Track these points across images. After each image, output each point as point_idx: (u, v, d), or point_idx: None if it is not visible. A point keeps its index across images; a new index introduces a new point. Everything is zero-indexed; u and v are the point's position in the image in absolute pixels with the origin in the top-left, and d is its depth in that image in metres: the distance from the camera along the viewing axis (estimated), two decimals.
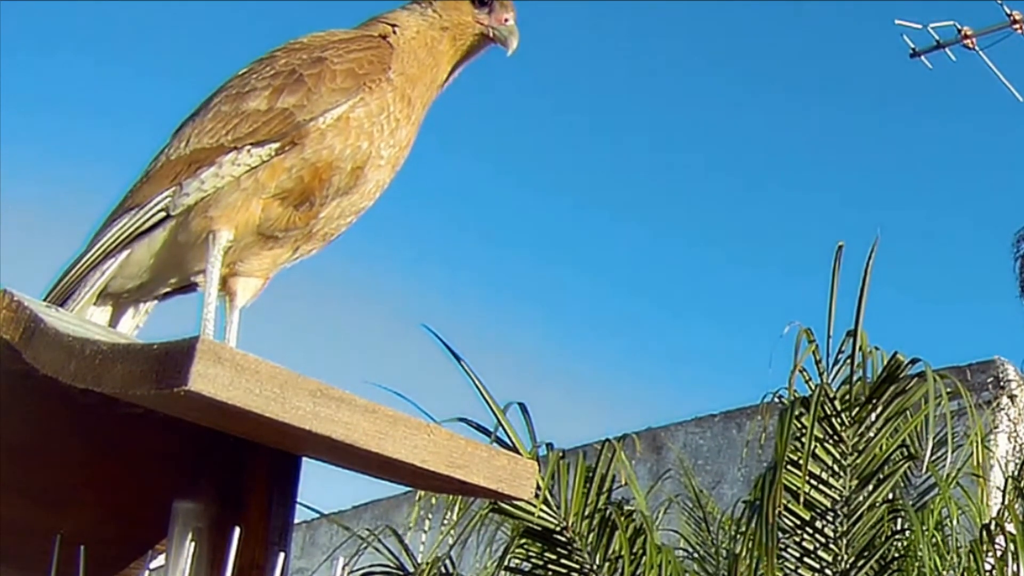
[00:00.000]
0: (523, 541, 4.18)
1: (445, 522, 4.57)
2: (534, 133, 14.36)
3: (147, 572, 1.71)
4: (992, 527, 4.19)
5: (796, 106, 13.90)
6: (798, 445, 3.93)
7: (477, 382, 4.15)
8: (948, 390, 4.02)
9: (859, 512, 4.12)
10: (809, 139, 14.13)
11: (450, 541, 4.46)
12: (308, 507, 4.77)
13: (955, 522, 4.25)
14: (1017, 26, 6.69)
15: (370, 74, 1.70)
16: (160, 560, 1.65)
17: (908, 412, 4.14)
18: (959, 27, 6.70)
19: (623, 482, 4.36)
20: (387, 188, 1.79)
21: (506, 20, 1.78)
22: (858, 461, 4.11)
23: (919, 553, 4.00)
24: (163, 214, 1.74)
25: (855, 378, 4.07)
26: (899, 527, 4.24)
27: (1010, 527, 4.18)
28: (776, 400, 4.30)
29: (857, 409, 4.08)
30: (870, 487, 4.15)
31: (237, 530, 1.49)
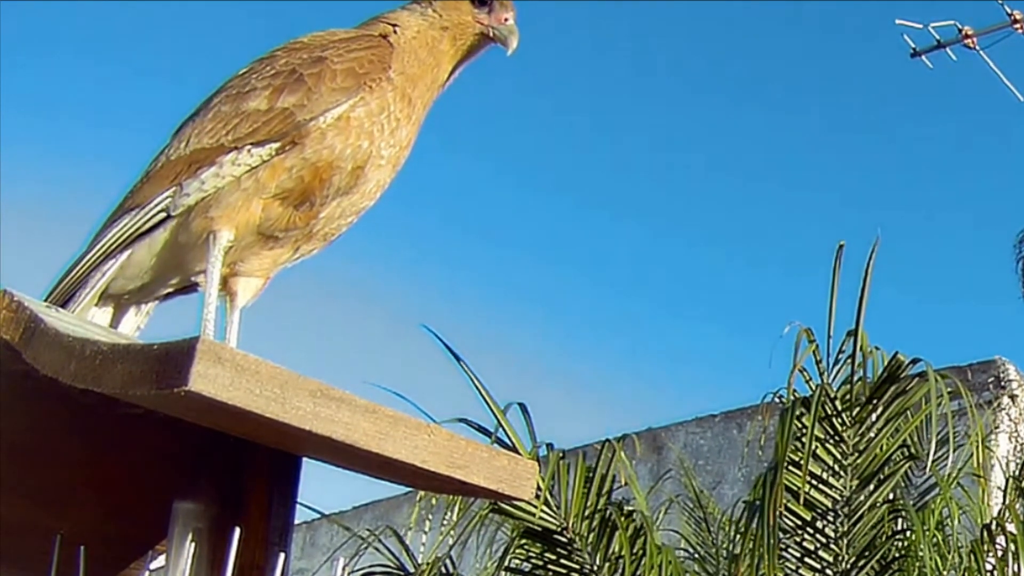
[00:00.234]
0: (523, 541, 4.18)
1: (445, 522, 4.57)
2: (534, 133, 14.37)
3: (147, 572, 1.71)
4: (993, 527, 4.19)
5: (796, 106, 13.90)
6: (799, 445, 3.92)
7: (477, 382, 4.15)
8: (949, 390, 4.02)
9: (860, 512, 4.11)
10: (809, 139, 14.14)
11: (450, 541, 4.46)
12: (308, 507, 4.77)
13: (956, 522, 4.25)
14: (1018, 26, 6.68)
15: (370, 73, 1.70)
16: (160, 560, 1.65)
17: (909, 412, 4.13)
18: (960, 27, 6.69)
19: (623, 482, 4.36)
20: (388, 188, 1.79)
21: (506, 20, 1.78)
22: (859, 461, 4.11)
23: (920, 553, 4.00)
24: (163, 214, 1.74)
25: (856, 378, 4.07)
26: (900, 527, 4.24)
27: (1011, 527, 4.18)
28: (776, 400, 4.30)
29: (858, 409, 4.08)
30: (871, 487, 4.15)
31: (237, 530, 1.49)
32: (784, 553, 4.10)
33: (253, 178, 1.69)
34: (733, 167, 13.94)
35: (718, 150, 13.80)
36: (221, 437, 1.53)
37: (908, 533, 4.20)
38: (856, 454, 4.10)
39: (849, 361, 4.09)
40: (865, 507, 4.12)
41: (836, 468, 4.10)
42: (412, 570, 4.44)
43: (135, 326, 1.86)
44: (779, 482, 3.77)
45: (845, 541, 4.11)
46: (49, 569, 1.58)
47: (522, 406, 4.18)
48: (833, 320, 4.14)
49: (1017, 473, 4.60)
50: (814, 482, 4.05)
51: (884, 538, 4.14)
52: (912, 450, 4.31)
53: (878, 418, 4.13)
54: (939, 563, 4.07)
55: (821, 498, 4.10)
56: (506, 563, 4.17)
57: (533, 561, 4.23)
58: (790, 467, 3.92)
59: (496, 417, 4.12)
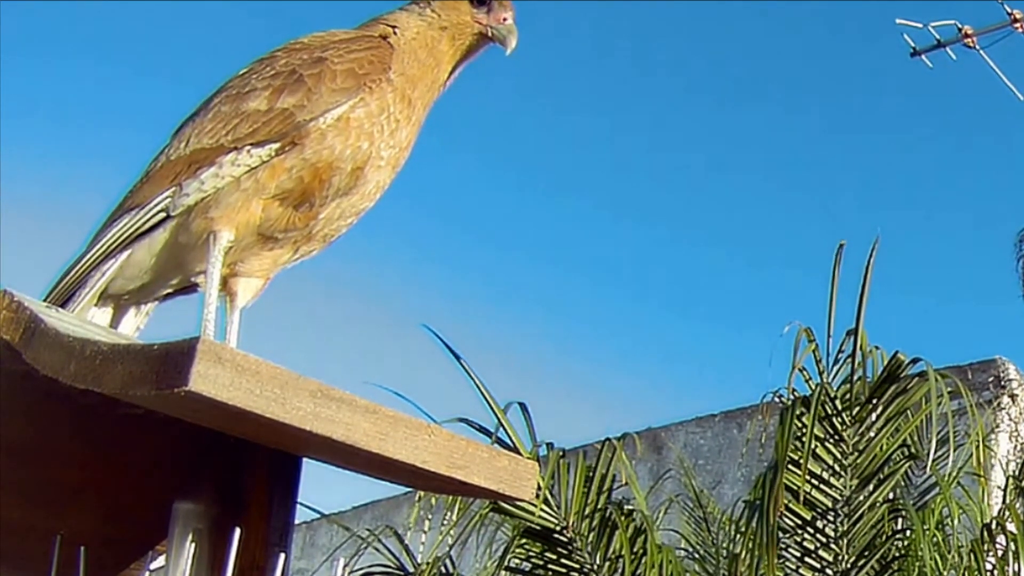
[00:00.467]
0: (523, 541, 4.18)
1: (445, 522, 4.57)
2: (534, 133, 14.37)
3: (147, 573, 1.71)
4: (993, 526, 4.19)
5: (796, 105, 13.90)
6: (799, 445, 3.92)
7: (477, 382, 4.15)
8: (949, 390, 4.02)
9: (860, 512, 4.11)
10: (809, 138, 14.13)
11: (450, 541, 4.46)
12: (308, 507, 4.77)
13: (956, 522, 4.24)
14: (1018, 25, 6.68)
15: (370, 74, 1.70)
16: (160, 561, 1.65)
17: (909, 412, 4.13)
18: (960, 26, 6.69)
19: (623, 482, 4.36)
20: (387, 189, 1.79)
21: (505, 19, 1.78)
22: (859, 461, 4.11)
23: (920, 553, 4.00)
24: (163, 215, 1.74)
25: (856, 377, 4.07)
26: (900, 527, 4.24)
27: (1011, 526, 4.18)
28: (776, 400, 4.30)
29: (858, 409, 4.08)
30: (871, 487, 4.15)
31: (237, 531, 1.49)
32: (784, 553, 4.10)
33: (253, 178, 1.69)
34: (733, 167, 13.95)
35: (718, 150, 13.80)
36: (221, 437, 1.53)
37: (908, 533, 4.20)
38: (856, 453, 4.10)
39: (849, 361, 4.09)
40: (865, 507, 4.12)
41: (836, 468, 4.10)
42: (412, 570, 4.44)
43: (135, 326, 1.85)
44: (779, 482, 3.77)
45: (845, 541, 4.11)
46: (49, 569, 1.58)
47: (522, 405, 4.19)
48: (833, 320, 4.14)
49: (1017, 473, 4.60)
50: (814, 481, 4.05)
51: (884, 538, 4.14)
52: (912, 450, 4.31)
53: (878, 417, 4.12)
54: (939, 563, 4.07)
55: (821, 498, 4.10)
56: (506, 563, 4.17)
57: (533, 560, 4.23)
58: (790, 467, 3.92)
59: (496, 416, 4.12)
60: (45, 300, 1.73)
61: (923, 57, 6.68)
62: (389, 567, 4.46)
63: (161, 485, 1.65)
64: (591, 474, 4.14)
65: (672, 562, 4.13)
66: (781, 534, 3.97)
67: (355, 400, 1.41)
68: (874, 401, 4.09)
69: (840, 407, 4.06)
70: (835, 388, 4.09)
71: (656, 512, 4.96)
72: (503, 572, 4.25)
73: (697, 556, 4.91)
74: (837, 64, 13.77)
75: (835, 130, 13.74)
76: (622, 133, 13.74)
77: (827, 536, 4.12)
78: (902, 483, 4.38)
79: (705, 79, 14.11)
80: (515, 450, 4.00)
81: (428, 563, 4.37)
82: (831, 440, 4.09)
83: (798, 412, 3.91)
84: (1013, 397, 6.39)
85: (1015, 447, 6.29)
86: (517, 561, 4.26)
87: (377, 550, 4.57)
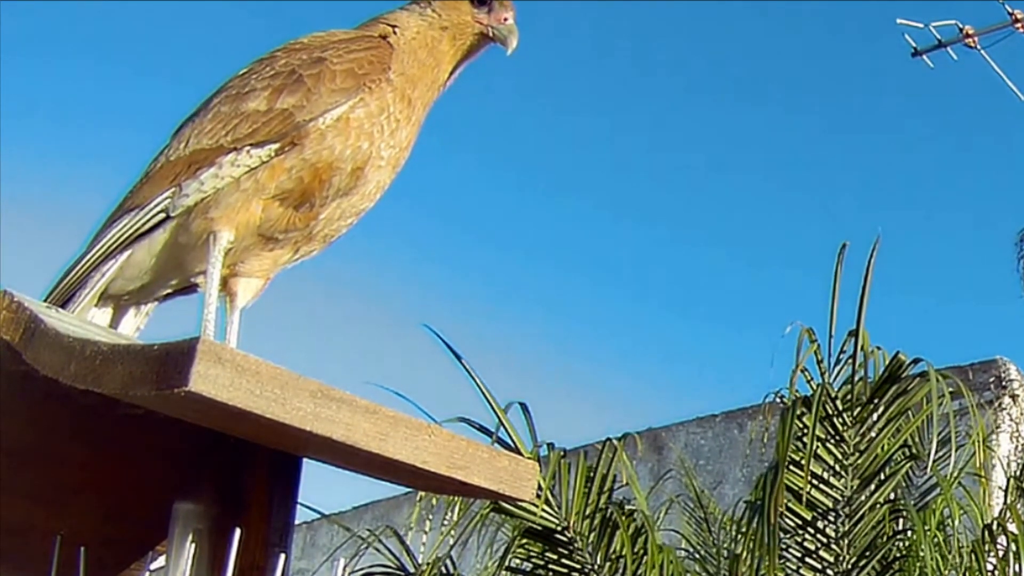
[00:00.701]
0: (524, 541, 4.18)
1: (446, 522, 4.57)
2: (535, 133, 14.37)
3: (147, 573, 1.70)
4: (994, 527, 4.18)
5: (797, 105, 13.90)
6: (800, 445, 3.92)
7: (478, 382, 4.14)
8: (950, 390, 4.01)
9: (861, 512, 4.11)
10: (810, 138, 14.13)
11: (451, 541, 4.46)
12: (309, 508, 4.77)
13: (957, 522, 4.24)
14: (1019, 25, 6.68)
15: (370, 74, 1.70)
16: (160, 561, 1.65)
17: (910, 412, 4.13)
18: (961, 26, 6.69)
19: (624, 482, 4.36)
20: (388, 189, 1.79)
21: (505, 19, 1.78)
22: (860, 461, 4.10)
23: (921, 553, 4.00)
24: (163, 215, 1.74)
25: (857, 378, 4.07)
26: (901, 527, 4.24)
27: (1012, 527, 4.17)
28: (778, 400, 4.29)
29: (859, 409, 4.08)
30: (872, 487, 4.15)
31: (238, 531, 1.49)
32: (785, 553, 4.10)
33: (252, 179, 1.69)
34: (734, 167, 13.94)
35: (718, 150, 13.80)
36: (221, 438, 1.53)
37: (909, 533, 4.19)
38: (857, 454, 4.10)
39: (850, 361, 4.09)
40: (866, 507, 4.12)
41: (837, 468, 4.10)
42: (412, 570, 4.43)
43: (135, 327, 1.85)
44: (780, 482, 3.77)
45: (846, 541, 4.11)
46: (50, 570, 1.58)
47: (523, 405, 4.19)
48: (835, 320, 4.14)
49: (1018, 473, 4.59)
50: (815, 482, 4.05)
51: (885, 538, 4.14)
52: (913, 450, 4.31)
53: (879, 418, 4.12)
54: (940, 563, 4.07)
55: (822, 498, 4.09)
56: (507, 563, 4.17)
57: (534, 561, 4.23)
58: (791, 467, 3.92)
59: (497, 416, 4.12)
60: (45, 300, 1.73)
61: (924, 57, 6.68)
62: (389, 567, 4.46)
63: (161, 485, 1.65)
64: (592, 474, 4.14)
65: (673, 562, 4.12)
66: (782, 534, 3.96)
67: (355, 400, 1.41)
68: (875, 401, 4.08)
69: (841, 407, 4.06)
70: (836, 388, 4.09)
71: (657, 512, 4.96)
72: (504, 572, 4.25)
73: (698, 556, 4.91)
74: (838, 64, 13.77)
75: (836, 130, 13.75)
76: (622, 133, 13.74)
77: (828, 536, 4.12)
78: (903, 483, 4.38)
79: (705, 79, 14.12)
80: (516, 450, 4.00)
81: (429, 563, 4.37)
82: (832, 440, 4.09)
83: (799, 412, 3.91)
84: (1014, 397, 6.39)
85: (1016, 447, 6.29)
86: (518, 561, 4.26)
87: (377, 550, 4.57)
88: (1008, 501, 4.35)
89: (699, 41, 14.11)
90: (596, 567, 4.12)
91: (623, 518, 4.10)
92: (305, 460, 1.67)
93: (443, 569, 4.38)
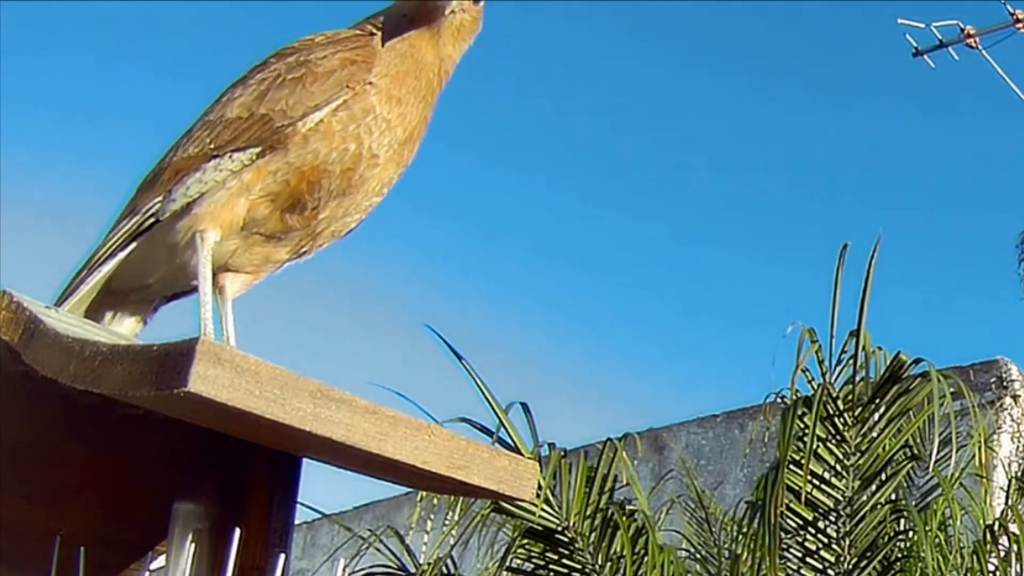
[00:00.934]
0: (524, 541, 4.18)
1: (446, 522, 4.57)
2: (536, 131, 14.37)
3: (147, 573, 1.70)
4: (995, 527, 4.18)
5: (798, 105, 13.89)
6: (800, 445, 3.92)
7: (479, 382, 4.14)
8: (951, 390, 4.01)
9: (862, 512, 4.11)
10: (811, 138, 14.13)
11: (451, 541, 4.46)
12: (309, 507, 4.77)
13: (958, 523, 4.24)
14: (1020, 25, 6.68)
15: (354, 76, 1.69)
16: (160, 561, 1.65)
17: (911, 412, 4.13)
18: (962, 26, 6.69)
19: (625, 482, 4.36)
20: (397, 183, 1.78)
21: None
22: (861, 461, 4.10)
23: (922, 554, 3.99)
24: (153, 219, 1.75)
25: (858, 378, 4.06)
26: (902, 527, 4.23)
27: (1013, 527, 4.17)
28: (779, 400, 4.29)
29: (860, 409, 4.07)
30: (873, 487, 4.14)
31: (237, 531, 1.49)
32: (786, 553, 4.09)
33: (237, 179, 1.69)
34: (735, 166, 13.94)
35: (720, 149, 13.80)
36: (221, 438, 1.53)
37: (910, 533, 4.19)
38: (858, 454, 4.10)
39: (851, 361, 4.08)
40: (867, 507, 4.11)
41: (838, 468, 4.09)
42: (413, 570, 4.43)
43: (136, 328, 1.86)
44: (780, 482, 3.76)
45: (847, 541, 4.10)
46: (49, 570, 1.58)
47: (524, 405, 4.18)
48: (836, 320, 4.13)
49: (1020, 474, 4.59)
50: (816, 482, 4.04)
51: (886, 538, 4.14)
52: (914, 450, 4.30)
53: (880, 418, 4.12)
54: (941, 564, 4.06)
55: (823, 498, 4.09)
56: (507, 563, 4.17)
57: (535, 561, 4.23)
58: (792, 467, 3.91)
59: (498, 416, 4.12)
60: (57, 303, 1.73)
61: (925, 57, 6.68)
62: (390, 567, 4.46)
63: (161, 485, 1.65)
64: (592, 474, 4.14)
65: (674, 562, 4.12)
66: (783, 535, 3.96)
67: (355, 400, 1.41)
68: (876, 401, 4.08)
69: (842, 407, 4.06)
70: (837, 388, 4.08)
71: (658, 512, 4.96)
72: (504, 572, 4.25)
73: (699, 557, 4.91)
74: (839, 64, 13.77)
75: (836, 130, 13.74)
76: (623, 132, 13.74)
77: (829, 537, 4.11)
78: (904, 484, 4.38)
79: (707, 78, 14.11)
80: (516, 450, 4.00)
81: (429, 563, 4.37)
82: (833, 440, 4.08)
83: (800, 412, 3.90)
84: (1015, 398, 6.38)
85: (1017, 448, 6.28)
86: (518, 561, 4.25)
87: (378, 550, 4.57)
88: (1009, 502, 4.35)
89: (700, 40, 14.11)
90: (597, 567, 4.11)
91: (624, 518, 4.10)
92: (305, 460, 1.67)
93: (444, 569, 4.38)
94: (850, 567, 4.09)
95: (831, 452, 4.09)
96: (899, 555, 4.16)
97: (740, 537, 4.30)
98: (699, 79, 14.17)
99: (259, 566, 1.59)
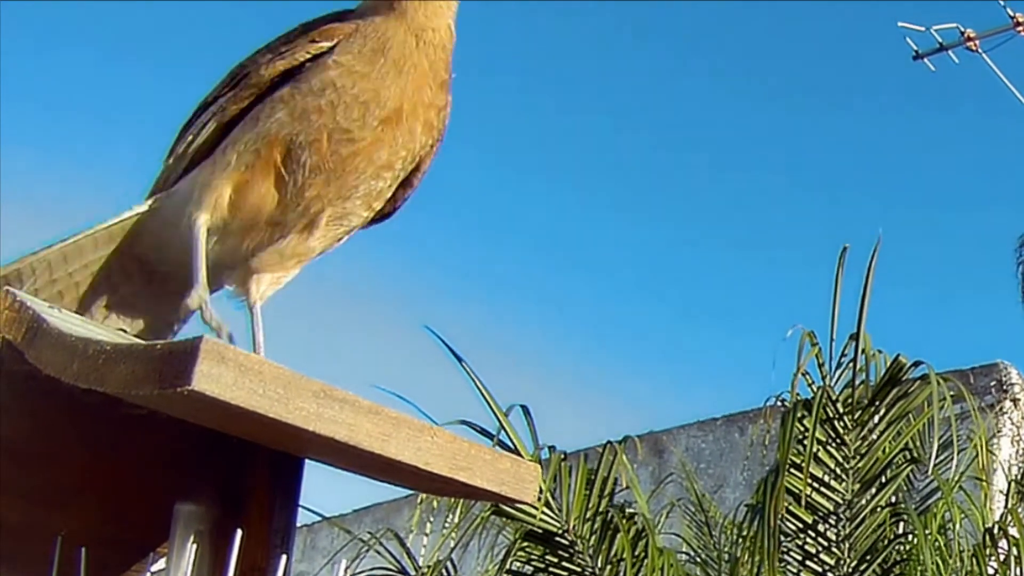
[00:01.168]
0: (524, 544, 4.17)
1: (446, 525, 4.56)
2: (537, 131, 14.38)
3: (148, 574, 1.70)
4: (995, 531, 4.18)
5: (798, 107, 13.90)
6: (800, 448, 3.92)
7: (479, 384, 4.14)
8: (951, 393, 4.01)
9: (861, 516, 4.11)
10: (812, 140, 14.14)
11: (451, 544, 4.46)
12: (309, 510, 4.76)
13: (958, 526, 4.24)
14: (1020, 28, 6.69)
15: (311, 46, 1.70)
16: (161, 563, 1.64)
17: (911, 415, 4.13)
18: (962, 29, 6.70)
19: (625, 485, 4.35)
20: (402, 170, 1.78)
21: None
22: (860, 464, 4.10)
23: (922, 557, 3.99)
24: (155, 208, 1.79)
25: (858, 381, 4.06)
26: (902, 531, 4.23)
27: (1013, 531, 4.17)
28: (779, 403, 4.29)
29: (860, 412, 4.07)
30: (873, 490, 4.14)
31: (239, 532, 1.49)
32: (785, 556, 4.09)
33: (213, 162, 1.72)
34: (736, 168, 13.94)
35: (721, 151, 13.81)
36: (223, 438, 1.53)
37: (910, 537, 4.19)
38: (858, 457, 4.10)
39: (851, 364, 4.08)
40: (867, 510, 4.11)
41: (838, 471, 4.09)
42: (413, 573, 4.43)
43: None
44: (780, 485, 3.76)
45: (847, 544, 4.10)
46: (50, 570, 1.57)
47: (524, 408, 4.18)
48: (836, 323, 4.14)
49: (1019, 477, 4.59)
50: (816, 485, 4.04)
51: (886, 542, 4.13)
52: (914, 453, 4.30)
53: (880, 421, 4.12)
54: (941, 567, 4.06)
55: (823, 501, 4.09)
56: (507, 566, 4.17)
57: (534, 564, 4.23)
58: (791, 470, 3.91)
59: (498, 419, 4.11)
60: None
61: (926, 60, 6.70)
62: (390, 570, 4.46)
63: (163, 486, 1.65)
64: (593, 477, 4.14)
65: (673, 565, 4.12)
66: (783, 538, 3.96)
67: (358, 401, 1.41)
68: (876, 404, 4.08)
69: (842, 410, 4.06)
70: (837, 391, 4.08)
71: (658, 516, 4.95)
72: (504, 575, 4.25)
73: (699, 560, 4.91)
74: (840, 67, 13.78)
75: (838, 132, 13.75)
76: (624, 133, 13.75)
77: (829, 540, 4.11)
78: (904, 487, 4.37)
79: (708, 81, 14.12)
80: (517, 453, 4.00)
81: (429, 566, 4.37)
82: (833, 443, 4.08)
83: (800, 415, 3.90)
84: (1015, 401, 6.38)
85: (1017, 451, 6.28)
86: (518, 564, 4.25)
87: (378, 553, 4.57)
88: (1009, 505, 4.35)
89: (702, 42, 14.12)
90: (597, 570, 4.11)
91: (624, 521, 4.10)
92: (305, 461, 1.67)
93: (444, 572, 4.37)
94: (850, 570, 4.09)
95: (831, 455, 4.09)
96: (899, 558, 4.16)
97: (740, 540, 4.30)
98: (700, 81, 14.18)
99: (260, 567, 1.59)
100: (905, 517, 4.18)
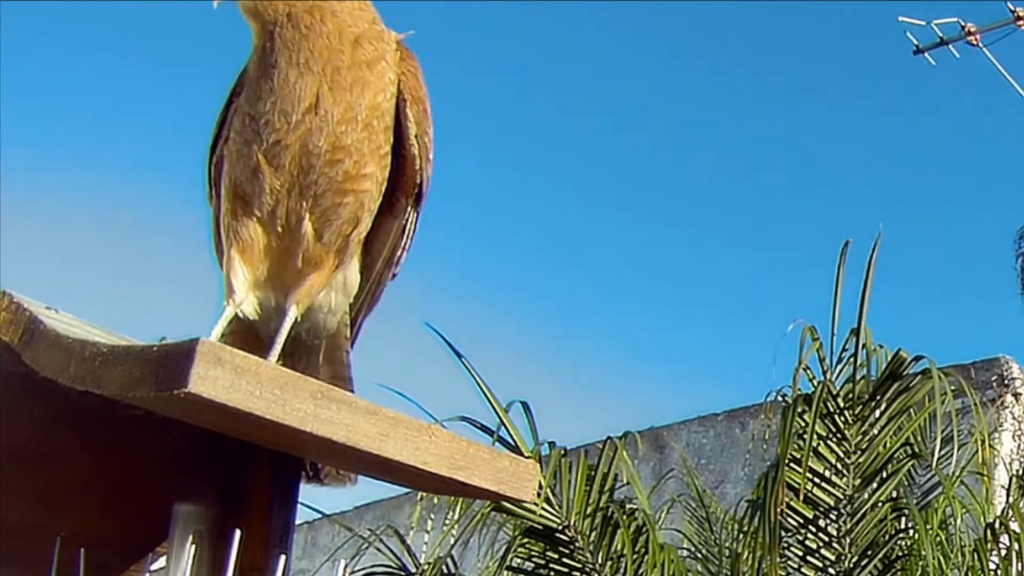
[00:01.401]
0: (525, 540, 4.17)
1: (447, 522, 4.56)
2: (537, 130, 14.37)
3: (148, 574, 1.70)
4: (996, 526, 4.18)
5: (798, 102, 13.89)
6: (801, 443, 3.91)
7: (479, 380, 4.14)
8: (952, 388, 4.00)
9: (862, 511, 4.10)
10: (812, 136, 14.13)
11: (452, 541, 4.45)
12: (310, 507, 4.75)
13: (959, 521, 4.23)
14: (1021, 23, 6.68)
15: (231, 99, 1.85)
16: (161, 562, 1.65)
17: (912, 410, 4.12)
18: (963, 24, 6.70)
19: (625, 481, 4.35)
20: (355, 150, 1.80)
21: None
22: (861, 459, 4.10)
23: (923, 552, 3.99)
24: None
25: (859, 376, 4.06)
26: (903, 526, 4.23)
27: (1014, 526, 4.17)
28: (779, 399, 4.28)
29: (861, 407, 4.07)
30: (873, 485, 4.14)
31: (238, 532, 1.48)
32: (786, 552, 4.09)
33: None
34: (737, 165, 13.94)
35: (721, 147, 13.79)
36: (221, 439, 1.53)
37: (911, 532, 4.18)
38: (859, 452, 4.09)
39: (852, 359, 4.08)
40: (868, 505, 4.11)
41: (839, 466, 4.09)
42: (414, 570, 4.43)
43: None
44: (781, 480, 3.76)
45: (847, 540, 4.10)
46: (49, 570, 1.57)
47: (524, 404, 4.18)
48: (837, 318, 4.13)
49: (1021, 472, 4.59)
50: (816, 480, 4.04)
51: (887, 537, 4.13)
52: (915, 448, 4.29)
53: (881, 416, 4.11)
54: (942, 562, 4.06)
55: (823, 496, 4.08)
56: (508, 562, 4.17)
57: (535, 560, 4.22)
58: (792, 465, 3.91)
59: (498, 415, 4.11)
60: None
61: (926, 55, 6.69)
62: (391, 567, 4.46)
63: (161, 486, 1.65)
64: (593, 473, 4.13)
65: (674, 561, 4.12)
66: (783, 533, 3.96)
67: (355, 401, 1.41)
68: (877, 399, 4.07)
69: (843, 405, 4.05)
70: (838, 386, 4.08)
71: (658, 511, 4.95)
72: (505, 572, 4.25)
73: (699, 555, 4.91)
74: (840, 62, 13.77)
75: (838, 127, 13.74)
76: (625, 131, 13.74)
77: (829, 535, 4.11)
78: (905, 482, 4.37)
79: (708, 77, 14.11)
80: (517, 449, 4.00)
81: (430, 563, 4.36)
82: (834, 438, 4.08)
83: (800, 410, 3.90)
84: (1016, 396, 6.38)
85: (1018, 446, 6.28)
86: (519, 561, 4.25)
87: (379, 550, 4.57)
88: (1010, 500, 4.34)
89: (701, 39, 14.11)
90: (597, 566, 4.11)
91: (624, 517, 4.09)
92: (306, 461, 1.67)
93: (444, 569, 4.37)
94: (851, 565, 4.09)
95: (832, 450, 4.08)
96: (900, 553, 4.16)
97: (741, 536, 4.30)
98: (700, 77, 14.17)
99: (259, 567, 1.59)
100: (906, 512, 4.18)
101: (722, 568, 4.74)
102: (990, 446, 4.56)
